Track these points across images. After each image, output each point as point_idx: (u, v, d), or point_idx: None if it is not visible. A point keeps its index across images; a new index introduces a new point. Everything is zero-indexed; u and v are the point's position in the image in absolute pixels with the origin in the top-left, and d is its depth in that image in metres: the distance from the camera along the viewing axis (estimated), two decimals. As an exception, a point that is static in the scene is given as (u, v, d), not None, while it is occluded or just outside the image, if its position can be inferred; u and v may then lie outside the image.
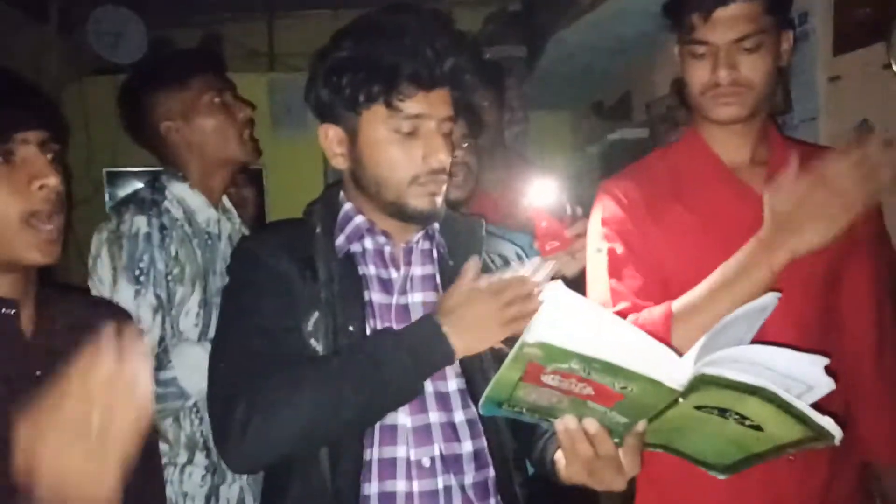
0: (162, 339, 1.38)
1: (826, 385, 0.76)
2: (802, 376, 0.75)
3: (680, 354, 0.95)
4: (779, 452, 0.81)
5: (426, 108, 1.01)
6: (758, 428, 0.77)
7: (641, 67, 2.89)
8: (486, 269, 1.11)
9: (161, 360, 1.35)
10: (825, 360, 0.76)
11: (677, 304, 1.05)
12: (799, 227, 0.96)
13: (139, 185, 3.38)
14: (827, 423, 0.73)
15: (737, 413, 0.76)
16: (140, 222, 1.38)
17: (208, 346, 1.37)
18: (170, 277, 1.40)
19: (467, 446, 1.00)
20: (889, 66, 1.63)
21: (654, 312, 1.07)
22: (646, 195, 1.19)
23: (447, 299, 0.99)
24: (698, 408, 0.77)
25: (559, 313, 0.74)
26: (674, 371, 0.74)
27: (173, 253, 1.41)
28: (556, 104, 3.93)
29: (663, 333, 1.03)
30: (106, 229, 1.39)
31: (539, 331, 0.74)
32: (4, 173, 0.88)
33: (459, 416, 1.01)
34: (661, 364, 0.75)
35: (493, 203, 2.03)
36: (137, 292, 1.36)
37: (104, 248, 1.37)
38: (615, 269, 1.15)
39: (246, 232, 1.59)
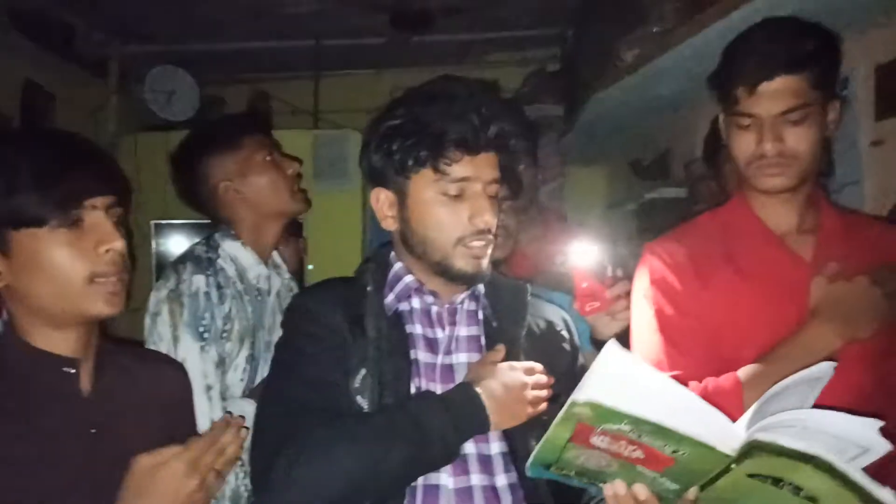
0: (222, 395, 1.42)
1: (882, 446, 0.74)
2: (857, 438, 0.74)
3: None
4: None
5: (472, 171, 1.05)
6: (813, 499, 0.75)
7: (681, 126, 2.91)
8: (529, 332, 1.13)
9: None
10: (880, 423, 0.74)
11: (744, 374, 1.05)
12: (848, 320, 1.02)
13: (184, 237, 3.51)
14: (885, 495, 0.71)
15: (791, 483, 0.74)
16: (199, 281, 1.43)
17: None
18: (224, 334, 1.44)
19: None
20: (934, 131, 1.62)
21: (723, 381, 1.06)
22: (693, 257, 1.19)
23: (478, 371, 1.02)
24: (752, 476, 0.75)
25: (611, 372, 0.74)
26: (726, 436, 0.73)
27: (227, 310, 1.45)
28: (593, 160, 3.96)
29: (735, 402, 1.01)
30: (165, 287, 1.44)
31: (590, 390, 0.73)
32: (73, 238, 0.93)
33: (502, 481, 1.01)
34: (714, 428, 0.73)
35: (529, 261, 2.05)
36: (202, 349, 1.40)
37: (165, 306, 1.41)
38: (667, 332, 1.15)
39: (295, 287, 1.63)
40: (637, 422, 0.73)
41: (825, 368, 0.82)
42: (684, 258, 1.19)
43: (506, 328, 1.11)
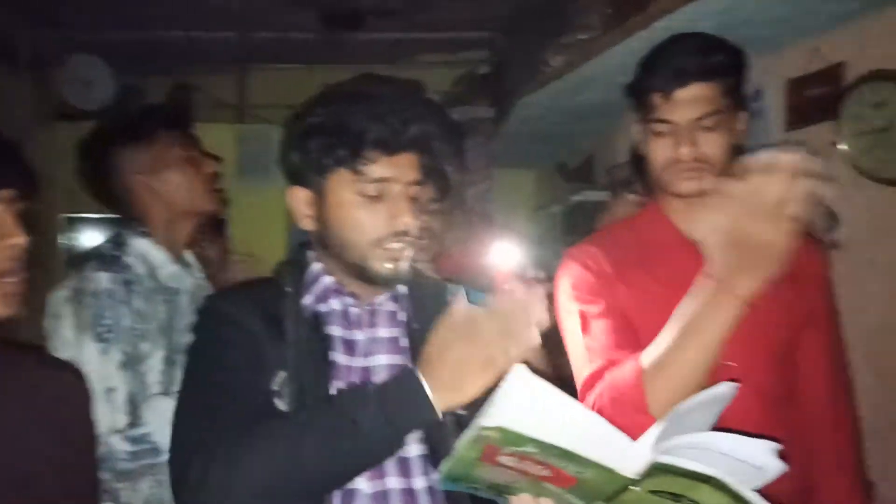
0: (132, 396, 1.35)
1: (777, 468, 0.78)
2: (754, 460, 0.77)
3: (654, 410, 0.99)
4: None
5: (391, 172, 1.03)
6: None
7: (604, 133, 2.99)
8: None
9: (133, 418, 1.33)
10: (777, 446, 0.78)
11: (646, 360, 1.06)
12: (746, 257, 0.97)
13: (95, 231, 3.33)
14: None
15: (690, 500, 0.77)
16: (102, 279, 1.36)
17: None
18: (135, 333, 1.37)
19: None
20: (836, 143, 1.73)
21: (625, 370, 1.07)
22: (612, 261, 1.22)
23: (432, 342, 0.93)
24: (654, 492, 0.78)
25: (517, 397, 0.75)
26: (629, 458, 0.76)
27: (137, 308, 1.38)
28: (521, 163, 4.02)
29: (635, 390, 1.04)
30: (66, 287, 1.36)
31: (497, 414, 0.74)
32: None
33: (420, 483, 1.00)
34: (617, 451, 0.76)
35: (454, 263, 2.05)
36: (103, 350, 1.33)
37: (66, 307, 1.34)
38: (587, 328, 1.18)
39: (209, 288, 1.58)
40: (542, 446, 0.75)
41: (727, 389, 0.85)
42: (602, 259, 1.22)
43: (427, 330, 1.09)
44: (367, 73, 1.09)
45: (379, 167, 1.02)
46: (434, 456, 1.01)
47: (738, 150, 1.20)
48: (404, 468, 1.00)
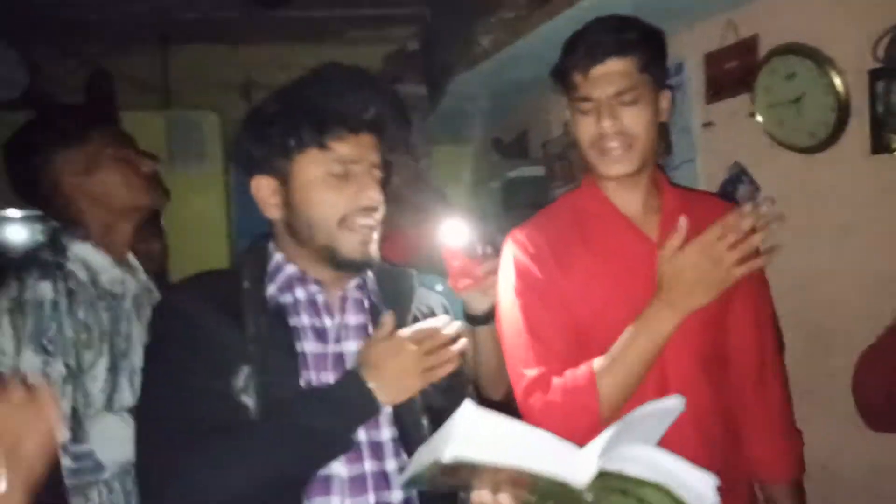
0: (75, 411, 1.31)
1: (712, 501, 0.83)
2: (694, 488, 0.82)
3: (604, 409, 1.08)
4: None
5: (356, 151, 1.06)
6: None
7: (537, 108, 3.04)
8: (415, 320, 1.15)
9: (76, 433, 1.29)
10: (716, 481, 0.83)
11: (598, 364, 1.15)
12: (690, 289, 1.11)
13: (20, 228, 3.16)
14: None
15: (636, 496, 0.83)
16: (45, 289, 1.31)
17: (125, 417, 1.32)
18: (78, 344, 1.33)
19: (397, 495, 1.03)
20: (753, 114, 1.83)
21: (579, 374, 1.15)
22: (552, 243, 1.27)
23: (368, 351, 1.02)
24: (602, 488, 0.84)
25: (471, 429, 0.79)
26: (578, 468, 0.81)
27: (81, 318, 1.34)
28: (457, 139, 4.04)
29: (589, 390, 1.12)
30: (5, 296, 1.31)
31: (453, 448, 0.78)
32: None
33: (391, 465, 1.03)
34: (567, 463, 0.81)
35: (402, 242, 2.07)
36: (45, 362, 1.29)
37: (5, 318, 1.29)
38: (531, 326, 1.22)
39: (153, 289, 1.55)
40: (498, 468, 0.80)
41: (675, 403, 0.91)
42: (544, 246, 1.26)
43: (394, 315, 1.12)
44: (330, 62, 1.10)
45: (345, 145, 1.04)
46: (405, 439, 1.05)
47: (662, 128, 1.27)
48: (377, 452, 1.03)
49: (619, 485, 0.81)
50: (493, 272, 1.33)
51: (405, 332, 1.03)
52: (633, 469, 0.79)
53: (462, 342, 1.06)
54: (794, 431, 1.36)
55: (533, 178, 2.97)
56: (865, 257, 1.61)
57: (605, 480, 0.81)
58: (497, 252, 1.35)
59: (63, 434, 1.29)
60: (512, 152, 3.34)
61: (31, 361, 1.28)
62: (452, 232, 1.39)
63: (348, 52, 3.56)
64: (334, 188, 1.04)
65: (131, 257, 1.54)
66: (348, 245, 1.05)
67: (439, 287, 1.47)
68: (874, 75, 1.53)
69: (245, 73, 3.77)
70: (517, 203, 2.92)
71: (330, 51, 3.60)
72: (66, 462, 1.29)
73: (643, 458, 0.80)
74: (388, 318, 1.05)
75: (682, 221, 1.12)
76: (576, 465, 0.81)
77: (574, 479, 0.80)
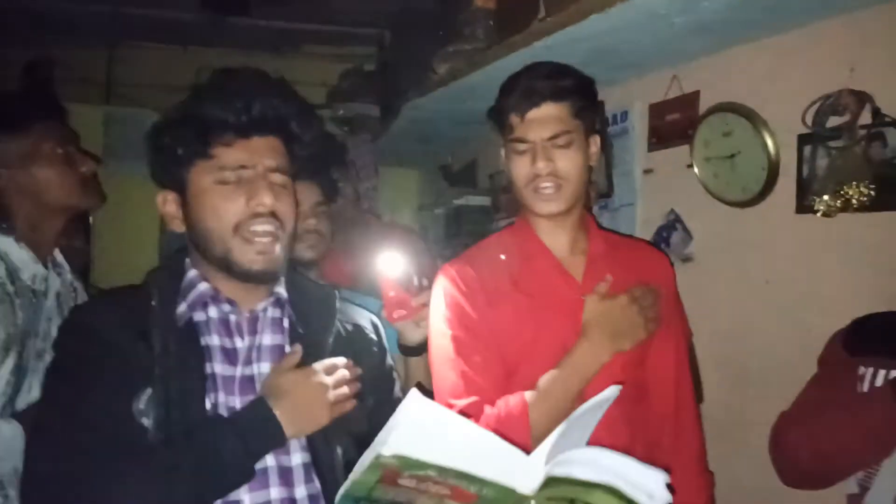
0: None
1: (663, 499, 0.82)
2: (644, 486, 0.81)
3: (535, 438, 1.06)
4: None
5: (248, 157, 1.03)
6: None
7: (487, 139, 3.08)
8: (337, 335, 1.13)
9: None
10: (666, 477, 0.83)
11: (530, 395, 1.18)
12: (612, 336, 1.19)
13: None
14: None
15: (585, 502, 0.83)
16: None
17: (14, 425, 1.26)
18: None
19: None
20: (691, 165, 1.91)
21: (512, 404, 1.18)
22: (482, 279, 1.29)
23: (277, 380, 1.00)
24: (550, 499, 0.83)
25: (414, 422, 0.77)
26: (526, 474, 0.80)
27: None
28: (406, 162, 4.06)
29: (522, 420, 1.15)
30: None
31: (395, 443, 0.76)
32: None
33: (301, 492, 1.01)
34: (514, 468, 0.80)
35: (341, 264, 2.06)
36: None
37: None
38: (463, 356, 1.23)
39: (78, 287, 1.48)
40: (441, 469, 0.78)
41: (612, 392, 0.92)
42: (475, 282, 1.29)
43: (313, 335, 1.09)
44: (222, 68, 1.10)
45: (233, 152, 1.02)
46: (316, 464, 1.02)
47: (591, 171, 1.34)
48: (286, 478, 1.01)
49: (568, 492, 0.79)
50: (428, 304, 1.34)
51: (318, 365, 1.02)
52: (581, 472, 0.78)
53: (356, 385, 1.05)
54: (706, 471, 1.40)
55: (478, 207, 3.01)
56: (789, 308, 1.68)
57: (554, 487, 0.80)
58: (431, 283, 1.36)
59: None
60: (460, 180, 3.37)
61: None
62: (389, 263, 1.40)
63: (303, 66, 3.54)
64: (224, 196, 1.02)
65: (58, 255, 1.48)
66: (244, 255, 1.02)
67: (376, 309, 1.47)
68: (802, 140, 1.62)
69: (194, 76, 3.70)
70: (461, 231, 2.95)
71: (284, 62, 3.57)
72: None
73: (591, 461, 0.79)
74: (296, 348, 1.04)
75: (608, 277, 1.22)
76: (522, 470, 0.80)
77: (521, 486, 0.79)
